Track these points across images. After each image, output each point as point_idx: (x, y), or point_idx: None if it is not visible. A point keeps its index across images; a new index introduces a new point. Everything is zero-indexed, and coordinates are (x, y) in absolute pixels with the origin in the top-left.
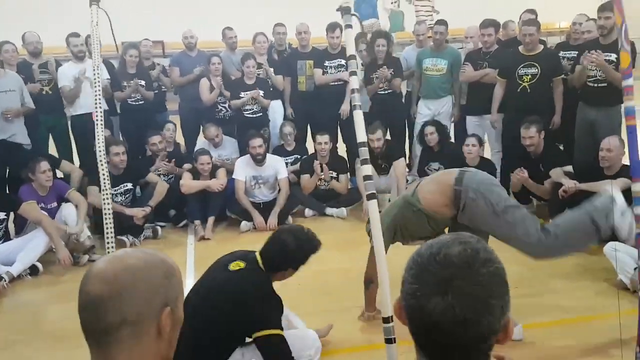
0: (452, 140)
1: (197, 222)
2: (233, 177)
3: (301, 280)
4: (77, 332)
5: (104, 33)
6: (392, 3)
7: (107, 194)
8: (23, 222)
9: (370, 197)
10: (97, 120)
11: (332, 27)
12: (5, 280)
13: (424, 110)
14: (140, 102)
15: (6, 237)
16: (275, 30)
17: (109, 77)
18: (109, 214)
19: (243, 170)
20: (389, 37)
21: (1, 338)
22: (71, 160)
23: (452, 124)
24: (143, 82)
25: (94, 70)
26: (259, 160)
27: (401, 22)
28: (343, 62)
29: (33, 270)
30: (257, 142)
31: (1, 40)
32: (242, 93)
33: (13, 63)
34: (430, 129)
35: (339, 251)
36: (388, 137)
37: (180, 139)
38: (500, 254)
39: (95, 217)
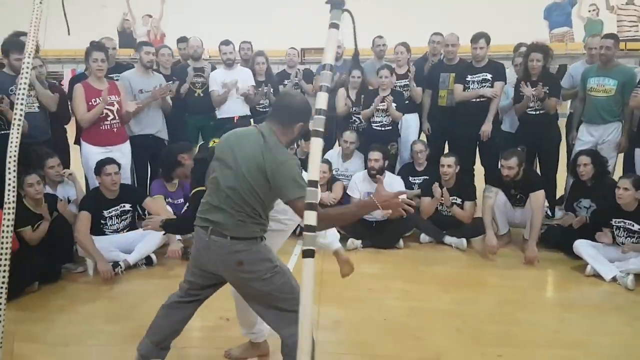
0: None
1: None
2: (348, 192)
3: (389, 315)
4: None
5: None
6: (589, 11)
7: None
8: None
9: (307, 254)
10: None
11: (476, 38)
12: (121, 268)
13: (585, 137)
14: (268, 109)
15: (132, 227)
16: (430, 39)
17: (254, 85)
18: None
19: (358, 186)
20: (546, 50)
21: (93, 327)
22: None
23: (618, 155)
24: (272, 89)
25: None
26: (373, 175)
27: (599, 33)
28: (488, 76)
29: (148, 261)
30: (375, 155)
31: (160, 45)
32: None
33: (167, 66)
34: (584, 159)
35: (445, 288)
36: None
37: None
38: None
39: None
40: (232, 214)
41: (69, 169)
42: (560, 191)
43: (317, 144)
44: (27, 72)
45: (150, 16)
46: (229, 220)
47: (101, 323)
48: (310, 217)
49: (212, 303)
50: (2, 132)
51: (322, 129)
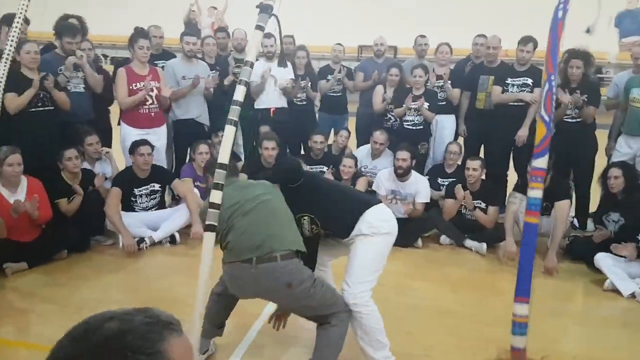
0: None
1: None
2: (373, 188)
3: (387, 310)
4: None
5: None
6: None
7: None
8: None
9: (208, 228)
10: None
11: (525, 40)
12: (146, 243)
13: (623, 149)
14: (304, 103)
15: (160, 206)
16: (473, 41)
17: (293, 78)
18: None
19: (384, 183)
20: (587, 57)
21: (110, 295)
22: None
23: None
24: (310, 83)
25: None
26: (399, 175)
27: None
28: (529, 81)
29: (172, 239)
30: (403, 155)
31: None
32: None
33: (212, 55)
34: (615, 171)
35: (453, 289)
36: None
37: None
38: None
39: None
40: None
41: (109, 148)
42: (594, 203)
43: (230, 131)
44: (10, 49)
45: (215, 8)
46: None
47: (119, 292)
48: (216, 196)
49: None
50: (45, 108)
51: (236, 119)
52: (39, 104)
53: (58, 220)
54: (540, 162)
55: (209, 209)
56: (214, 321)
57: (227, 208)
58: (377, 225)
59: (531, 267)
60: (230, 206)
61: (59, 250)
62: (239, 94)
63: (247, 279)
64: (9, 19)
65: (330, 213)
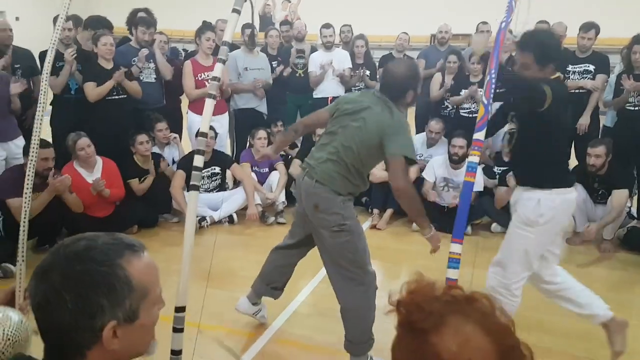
0: None
1: (376, 211)
2: (423, 175)
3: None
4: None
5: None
6: None
7: None
8: None
9: (192, 188)
10: None
11: (586, 27)
12: (207, 222)
13: None
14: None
15: (220, 188)
16: (536, 27)
17: (351, 67)
18: None
19: (435, 170)
20: None
21: (173, 265)
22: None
23: None
24: (368, 72)
25: None
26: (455, 161)
27: None
28: (591, 67)
29: (230, 219)
30: (459, 142)
31: (270, 27)
32: (463, 90)
33: (274, 47)
34: None
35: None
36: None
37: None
38: None
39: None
40: (332, 169)
41: (181, 134)
42: None
43: (209, 103)
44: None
45: (288, 1)
46: (327, 172)
47: (176, 263)
48: (198, 160)
49: None
50: (120, 96)
51: (214, 93)
52: (114, 93)
53: (130, 199)
54: (480, 135)
55: (193, 172)
56: (265, 277)
57: (341, 111)
58: (545, 213)
59: (466, 215)
60: (342, 111)
61: (130, 226)
62: (217, 70)
63: (299, 184)
64: (93, 23)
65: (535, 159)
